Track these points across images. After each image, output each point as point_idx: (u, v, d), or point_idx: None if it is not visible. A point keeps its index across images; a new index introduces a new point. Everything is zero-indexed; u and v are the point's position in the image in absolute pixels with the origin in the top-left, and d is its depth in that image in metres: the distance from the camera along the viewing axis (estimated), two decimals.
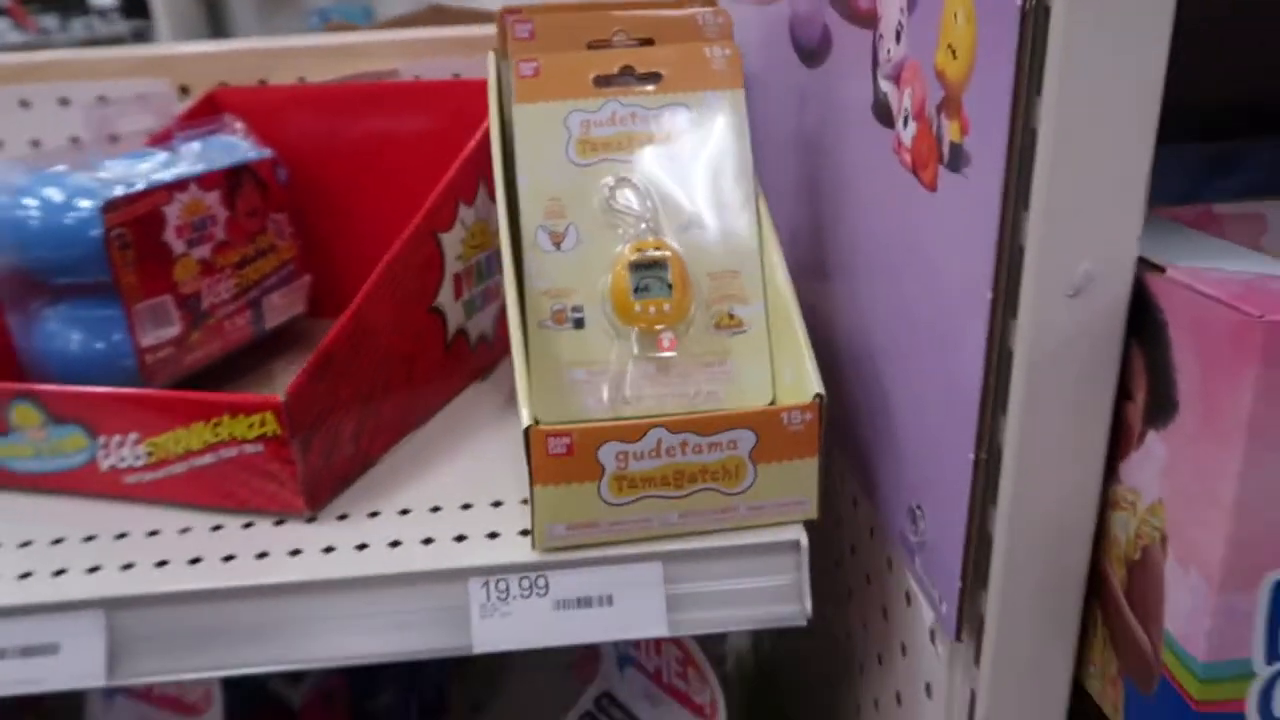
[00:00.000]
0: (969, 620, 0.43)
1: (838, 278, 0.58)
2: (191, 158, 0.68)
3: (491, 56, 0.61)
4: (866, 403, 0.53)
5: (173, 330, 0.63)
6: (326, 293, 0.79)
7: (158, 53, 0.83)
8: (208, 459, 0.52)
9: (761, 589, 0.48)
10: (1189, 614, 0.35)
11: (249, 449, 0.51)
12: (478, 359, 0.70)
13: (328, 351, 0.53)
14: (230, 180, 0.68)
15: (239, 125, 0.75)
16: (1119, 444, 0.38)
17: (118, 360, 0.61)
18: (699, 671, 0.60)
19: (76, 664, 0.46)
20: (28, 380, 0.60)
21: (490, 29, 0.87)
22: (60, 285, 0.61)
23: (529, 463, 0.46)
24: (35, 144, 0.84)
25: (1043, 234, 0.35)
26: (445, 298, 0.64)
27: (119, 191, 0.60)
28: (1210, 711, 0.35)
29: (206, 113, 0.78)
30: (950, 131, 0.39)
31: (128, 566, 0.49)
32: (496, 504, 0.53)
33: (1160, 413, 0.35)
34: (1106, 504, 0.39)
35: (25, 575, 0.48)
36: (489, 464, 0.58)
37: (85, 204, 0.58)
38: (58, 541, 0.51)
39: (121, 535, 0.52)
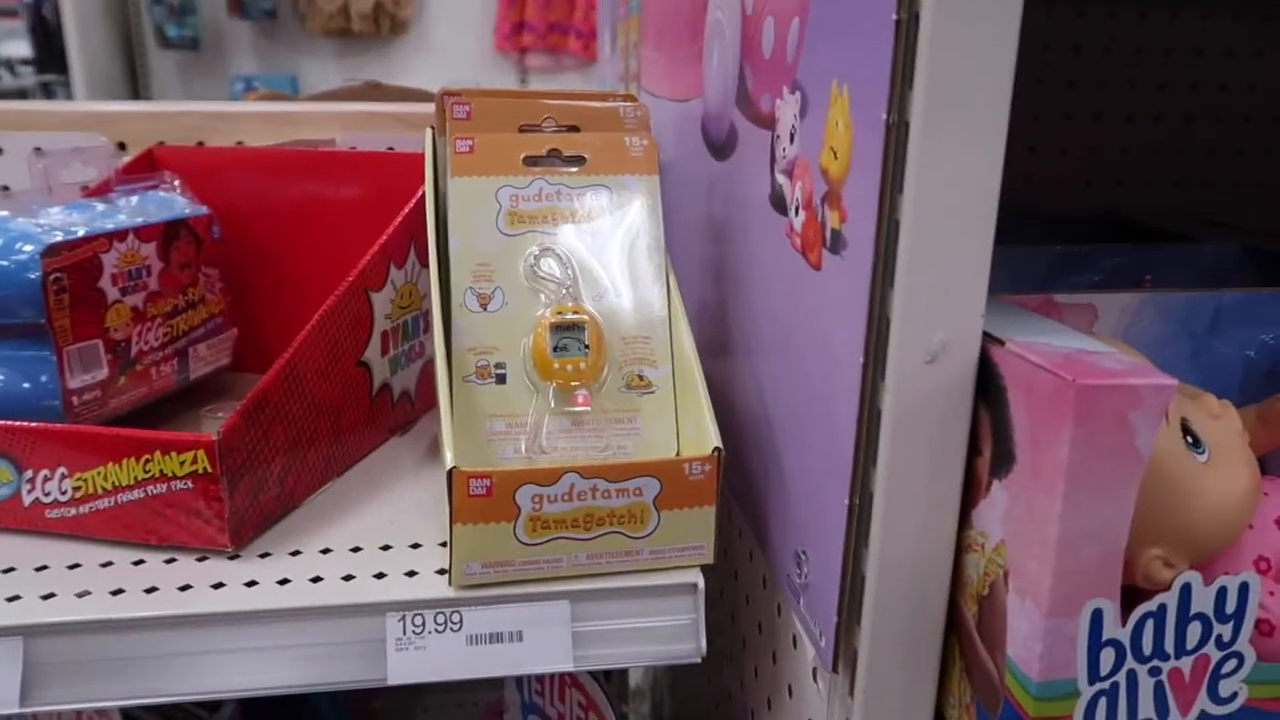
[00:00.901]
0: (844, 654, 0.47)
1: (737, 347, 0.63)
2: (130, 210, 0.71)
3: (429, 132, 0.66)
4: (760, 460, 0.59)
5: (101, 374, 0.65)
6: (251, 348, 0.81)
7: (97, 109, 0.86)
8: (135, 495, 0.54)
9: (661, 628, 0.52)
10: (1025, 639, 0.40)
11: (178, 485, 0.53)
12: (399, 414, 0.73)
13: (262, 394, 0.56)
14: (167, 233, 0.71)
15: (176, 182, 0.78)
16: (971, 493, 0.44)
17: (43, 400, 0.62)
18: (599, 714, 0.63)
19: None
20: None
21: (423, 107, 0.93)
22: None
23: (450, 502, 0.49)
24: None
25: (904, 308, 0.41)
26: (373, 353, 0.68)
27: (59, 237, 0.62)
28: None
29: (145, 168, 0.81)
30: (832, 219, 0.46)
31: (48, 596, 0.50)
32: (415, 545, 0.56)
33: (1002, 464, 0.42)
34: (961, 547, 0.45)
35: None
36: (408, 510, 0.61)
37: (26, 248, 0.61)
38: None
39: (41, 568, 0.53)
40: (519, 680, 0.72)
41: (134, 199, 0.73)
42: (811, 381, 0.49)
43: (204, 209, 0.76)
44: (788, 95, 0.52)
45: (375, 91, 1.07)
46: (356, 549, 0.56)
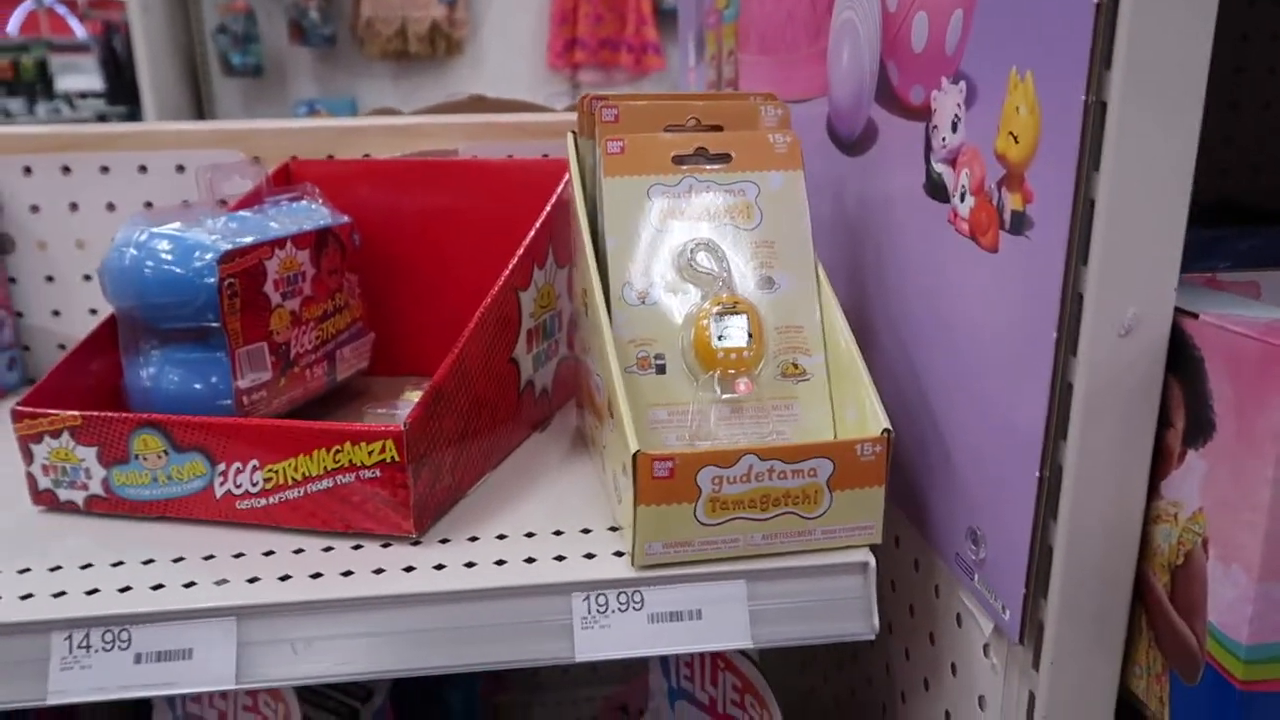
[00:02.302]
0: (1030, 626, 0.48)
1: (883, 335, 0.65)
2: (280, 219, 0.74)
3: (570, 136, 0.68)
4: (920, 444, 0.60)
5: (266, 375, 0.68)
6: (382, 352, 0.84)
7: (234, 127, 0.90)
8: (324, 484, 0.56)
9: (833, 605, 0.54)
10: (1231, 604, 0.41)
11: (366, 474, 0.55)
12: (540, 409, 0.76)
13: (438, 387, 0.58)
14: (318, 241, 0.74)
15: (317, 191, 0.81)
16: (1160, 465, 0.45)
17: (215, 400, 0.66)
18: (757, 697, 0.64)
19: (208, 668, 0.50)
20: None
21: (538, 117, 0.96)
22: (166, 330, 0.66)
23: (634, 485, 0.51)
24: (110, 207, 0.89)
25: (1099, 284, 0.42)
26: (520, 350, 0.70)
27: (230, 245, 0.65)
28: (1254, 691, 0.41)
29: (282, 181, 0.84)
30: (1012, 202, 0.47)
31: (253, 580, 0.53)
32: (586, 530, 0.58)
33: (1199, 434, 0.42)
34: (1150, 517, 0.46)
35: (157, 587, 0.52)
36: (567, 498, 0.63)
37: (205, 256, 0.64)
38: (178, 560, 0.55)
39: (239, 555, 0.56)
40: (665, 665, 0.73)
41: (281, 209, 0.76)
42: (989, 360, 0.50)
43: (345, 218, 0.79)
44: (948, 86, 0.54)
45: (480, 104, 1.10)
46: (530, 534, 0.58)
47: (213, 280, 0.64)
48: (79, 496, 0.61)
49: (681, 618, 0.52)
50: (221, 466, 0.58)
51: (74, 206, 0.89)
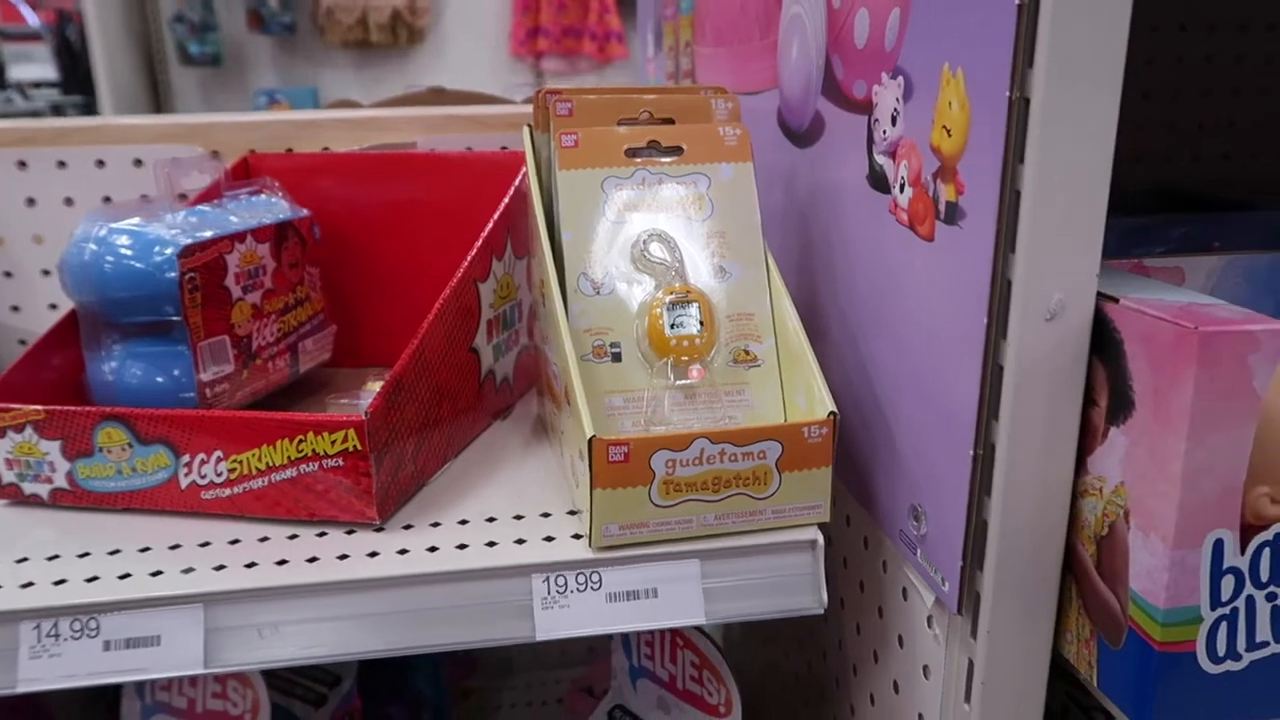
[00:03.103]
0: (967, 597, 0.51)
1: (830, 321, 0.67)
2: (239, 213, 0.75)
3: (526, 130, 0.70)
4: (864, 427, 0.62)
5: (228, 368, 0.69)
6: (342, 344, 0.85)
7: (191, 121, 0.90)
8: (288, 474, 0.57)
9: (784, 582, 0.56)
10: (1149, 571, 0.44)
11: (329, 463, 0.57)
12: (500, 398, 0.77)
13: (398, 377, 0.60)
14: (278, 234, 0.75)
15: (276, 185, 0.82)
16: (1085, 441, 0.47)
17: (177, 393, 0.66)
18: (714, 673, 0.67)
19: (177, 654, 0.51)
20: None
21: (495, 109, 0.97)
22: (127, 324, 0.67)
23: (590, 469, 0.53)
24: (68, 201, 0.89)
25: (1026, 271, 0.45)
26: (480, 340, 0.72)
27: (190, 240, 0.66)
28: (1170, 651, 0.44)
29: (241, 175, 0.85)
30: (946, 193, 0.49)
31: (219, 568, 0.54)
32: (545, 514, 0.60)
33: (1120, 412, 0.45)
34: (1077, 491, 0.48)
35: (124, 576, 0.53)
36: (527, 484, 0.65)
37: (165, 251, 0.65)
38: (145, 550, 0.56)
39: (204, 544, 0.57)
40: (626, 645, 0.75)
41: (241, 203, 0.77)
42: (925, 344, 0.53)
43: (305, 211, 0.80)
44: (888, 81, 0.56)
45: (439, 96, 1.11)
46: (491, 519, 0.59)
47: (173, 274, 0.64)
48: (43, 490, 0.62)
49: (638, 596, 0.54)
50: (186, 458, 0.59)
51: (31, 201, 0.89)
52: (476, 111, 0.94)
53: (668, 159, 0.66)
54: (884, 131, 0.57)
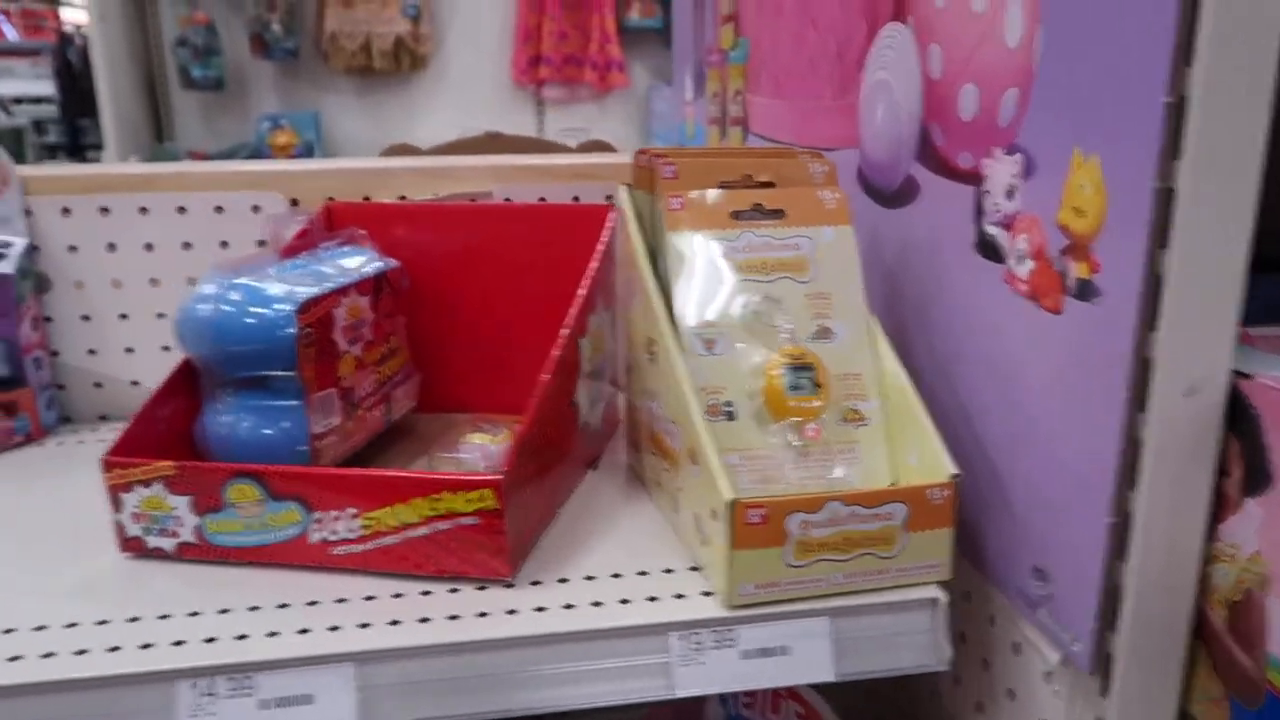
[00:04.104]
0: (1099, 657, 0.53)
1: (933, 379, 0.69)
2: (338, 265, 0.76)
3: (624, 190, 0.72)
4: (974, 486, 0.64)
5: (335, 420, 0.70)
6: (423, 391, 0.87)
7: (271, 169, 0.92)
8: (422, 531, 0.59)
9: (907, 639, 0.58)
10: None
11: (465, 521, 0.58)
12: (591, 449, 0.79)
13: (526, 435, 0.61)
14: (375, 286, 0.77)
15: (363, 235, 0.83)
16: (1218, 510, 0.50)
17: (291, 446, 0.68)
18: None
19: (328, 713, 0.52)
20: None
21: (566, 158, 0.99)
22: (240, 378, 0.68)
23: (729, 530, 0.55)
24: (148, 247, 0.90)
25: (1167, 350, 0.47)
26: (580, 393, 0.73)
27: (305, 295, 0.68)
28: None
29: (323, 224, 0.86)
30: (1077, 270, 0.52)
31: (364, 625, 0.55)
32: (668, 570, 0.61)
33: (1256, 484, 0.47)
34: (1208, 558, 0.51)
35: (272, 634, 0.54)
36: (638, 538, 0.66)
37: (282, 307, 0.66)
38: (283, 606, 0.57)
39: (341, 600, 0.58)
40: (722, 695, 0.77)
41: (333, 254, 0.79)
42: (1051, 412, 0.55)
43: (395, 262, 0.82)
44: (1002, 156, 0.58)
45: (495, 141, 1.13)
46: (617, 575, 0.61)
47: (291, 331, 0.66)
48: (169, 544, 0.63)
49: (771, 653, 0.56)
50: (317, 515, 0.60)
51: (112, 247, 0.90)
52: (546, 161, 0.96)
53: (770, 221, 0.68)
54: (997, 204, 0.59)
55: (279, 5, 3.71)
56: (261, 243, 0.88)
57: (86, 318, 0.91)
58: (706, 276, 0.66)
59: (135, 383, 0.92)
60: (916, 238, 0.71)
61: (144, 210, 0.90)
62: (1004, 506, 0.61)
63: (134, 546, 0.63)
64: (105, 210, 0.89)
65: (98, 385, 0.92)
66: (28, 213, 0.87)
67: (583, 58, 3.97)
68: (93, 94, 3.48)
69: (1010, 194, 0.58)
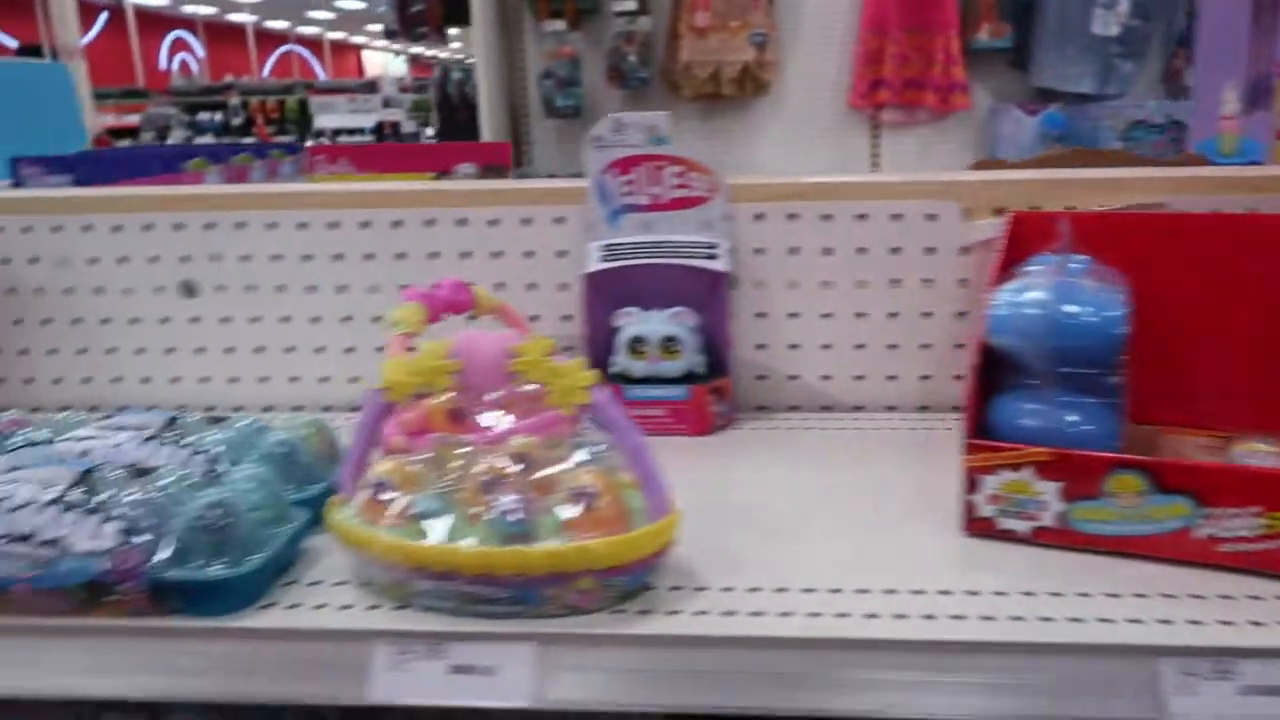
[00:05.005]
0: None
1: None
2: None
3: None
4: None
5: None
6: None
7: (945, 179, 0.96)
8: None
9: None
10: None
11: None
12: None
13: None
14: None
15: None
16: None
17: (1107, 443, 0.69)
18: None
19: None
20: None
21: (1229, 171, 0.96)
22: (1054, 373, 0.70)
23: None
24: (827, 251, 0.97)
25: None
26: None
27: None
28: None
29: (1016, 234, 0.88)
30: None
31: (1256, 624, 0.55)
32: None
33: None
34: None
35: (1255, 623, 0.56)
36: None
37: (1114, 310, 0.68)
38: (1168, 597, 0.59)
39: (1225, 597, 0.59)
40: None
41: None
42: None
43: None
44: None
45: (1080, 155, 1.13)
46: None
47: (1122, 331, 0.68)
48: (1023, 526, 0.66)
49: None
50: (1207, 510, 0.61)
51: (794, 250, 0.97)
52: (1219, 174, 0.94)
53: None
54: None
55: (636, 38, 3.96)
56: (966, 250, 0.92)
57: (762, 315, 0.99)
58: None
59: (793, 377, 0.99)
60: None
61: (826, 217, 0.96)
62: None
63: (979, 526, 0.67)
64: (793, 216, 0.96)
65: (760, 378, 1.00)
66: (727, 218, 0.96)
67: (924, 80, 3.92)
68: (463, 122, 3.88)
69: None
